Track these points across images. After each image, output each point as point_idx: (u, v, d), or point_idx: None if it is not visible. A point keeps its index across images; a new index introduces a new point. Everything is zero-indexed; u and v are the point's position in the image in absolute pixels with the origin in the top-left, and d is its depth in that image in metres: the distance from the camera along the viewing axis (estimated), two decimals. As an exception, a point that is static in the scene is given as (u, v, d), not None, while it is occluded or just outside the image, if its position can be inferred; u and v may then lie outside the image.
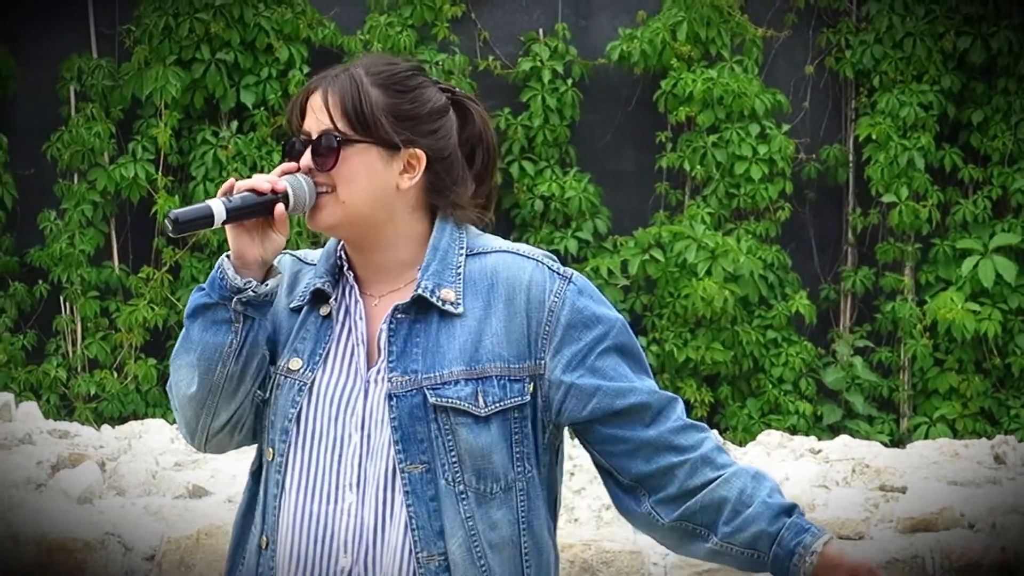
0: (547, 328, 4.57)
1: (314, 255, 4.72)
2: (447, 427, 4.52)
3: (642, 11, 13.91)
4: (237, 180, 4.45)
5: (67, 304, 13.61)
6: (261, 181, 4.45)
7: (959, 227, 13.84)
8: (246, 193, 4.48)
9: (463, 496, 4.58)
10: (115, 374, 13.50)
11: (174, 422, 12.10)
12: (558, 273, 4.57)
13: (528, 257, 4.62)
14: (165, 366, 13.44)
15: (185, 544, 8.93)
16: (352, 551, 4.57)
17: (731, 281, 13.92)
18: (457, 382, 4.54)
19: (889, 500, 9.96)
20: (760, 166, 13.64)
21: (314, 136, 4.52)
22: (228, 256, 4.49)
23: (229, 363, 4.55)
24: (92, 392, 13.38)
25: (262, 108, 13.64)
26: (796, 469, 10.53)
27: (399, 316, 4.55)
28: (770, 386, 13.68)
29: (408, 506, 4.57)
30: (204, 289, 4.47)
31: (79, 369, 13.59)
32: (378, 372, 4.52)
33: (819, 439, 11.72)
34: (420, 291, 4.50)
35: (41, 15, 13.86)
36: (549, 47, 13.86)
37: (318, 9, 13.82)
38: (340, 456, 4.58)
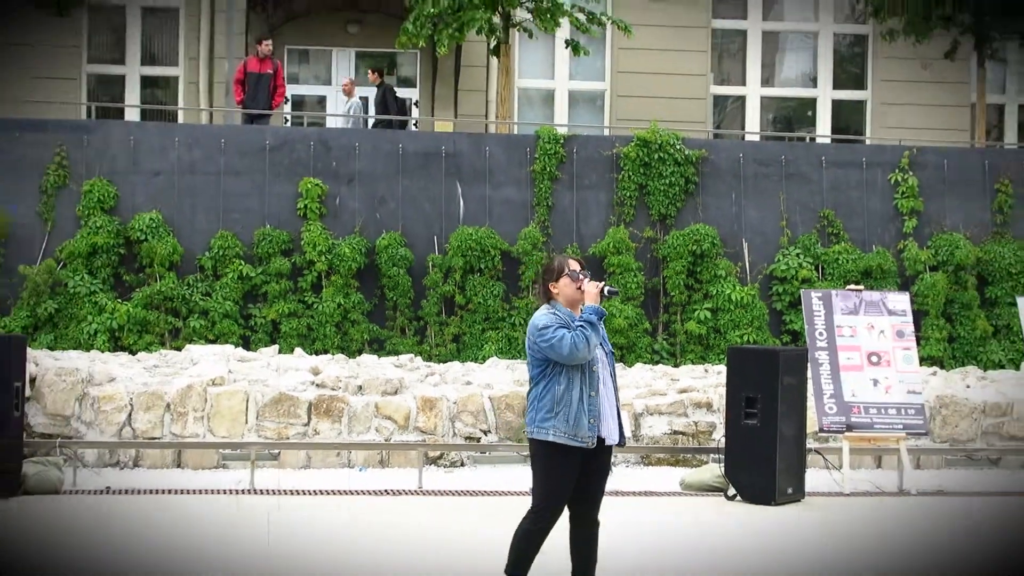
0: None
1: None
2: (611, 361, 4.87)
3: (599, 233, 14.43)
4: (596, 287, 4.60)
5: (396, 311, 14.13)
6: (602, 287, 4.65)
7: (699, 299, 14.53)
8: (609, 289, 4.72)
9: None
10: (414, 338, 14.11)
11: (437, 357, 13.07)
12: None
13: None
14: (430, 334, 13.95)
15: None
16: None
17: (624, 317, 14.17)
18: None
19: (673, 382, 11.10)
20: (631, 278, 14.38)
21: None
22: (597, 308, 4.66)
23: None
24: (403, 346, 13.96)
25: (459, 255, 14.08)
26: (643, 375, 11.67)
27: None
28: (640, 349, 14.21)
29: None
30: (598, 316, 4.60)
31: (397, 335, 14.07)
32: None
33: (652, 366, 12.98)
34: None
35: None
36: (570, 249, 14.39)
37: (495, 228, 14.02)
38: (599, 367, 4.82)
